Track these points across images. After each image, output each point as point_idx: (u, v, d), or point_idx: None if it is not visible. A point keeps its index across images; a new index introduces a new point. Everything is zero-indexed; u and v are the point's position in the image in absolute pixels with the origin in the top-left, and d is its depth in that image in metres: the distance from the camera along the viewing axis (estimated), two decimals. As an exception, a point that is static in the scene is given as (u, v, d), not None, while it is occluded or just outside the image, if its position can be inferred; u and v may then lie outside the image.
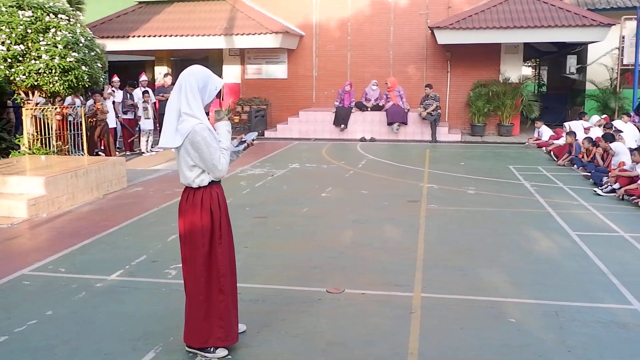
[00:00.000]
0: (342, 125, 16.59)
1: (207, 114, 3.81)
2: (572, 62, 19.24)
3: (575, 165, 11.49)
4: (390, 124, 16.39)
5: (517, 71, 17.28)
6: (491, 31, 15.59)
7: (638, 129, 12.82)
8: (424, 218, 7.62)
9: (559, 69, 20.86)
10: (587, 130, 12.96)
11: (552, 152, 12.82)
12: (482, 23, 15.62)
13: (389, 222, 7.48)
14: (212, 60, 22.77)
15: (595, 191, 9.12)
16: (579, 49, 18.65)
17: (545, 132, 14.88)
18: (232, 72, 18.84)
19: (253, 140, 4.02)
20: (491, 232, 6.99)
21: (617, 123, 12.71)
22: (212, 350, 3.86)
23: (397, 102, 16.36)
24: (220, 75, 21.38)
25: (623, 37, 16.35)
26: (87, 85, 10.50)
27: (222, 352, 3.88)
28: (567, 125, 13.45)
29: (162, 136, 3.73)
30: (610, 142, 10.27)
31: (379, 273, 5.54)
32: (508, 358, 3.83)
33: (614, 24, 15.38)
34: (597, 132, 12.59)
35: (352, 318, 4.50)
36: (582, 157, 11.39)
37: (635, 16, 15.56)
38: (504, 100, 16.70)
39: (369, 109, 16.72)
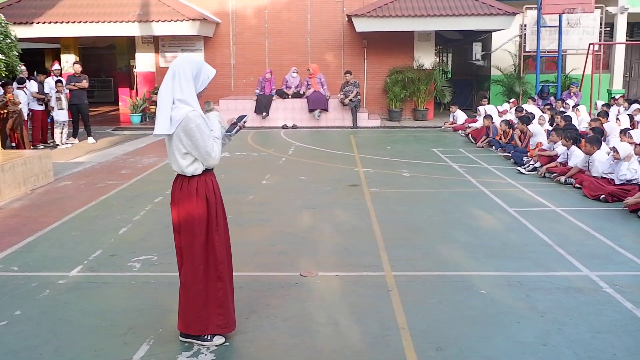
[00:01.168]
0: (264, 113, 16.57)
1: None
2: (477, 49, 20.28)
3: (493, 147, 12.20)
4: (311, 110, 16.56)
5: (430, 58, 17.99)
6: (407, 19, 16.12)
7: (542, 111, 13.79)
8: (370, 201, 7.85)
9: (464, 55, 21.91)
10: (501, 114, 13.77)
11: (470, 135, 13.51)
12: (397, 11, 16.10)
13: (337, 206, 7.65)
14: (120, 47, 21.95)
15: (518, 170, 9.77)
16: (484, 37, 19.67)
17: (460, 116, 15.63)
18: (146, 61, 18.23)
19: (244, 122, 4.02)
20: (436, 211, 7.34)
21: (526, 106, 13.62)
22: (208, 337, 3.85)
23: (318, 89, 16.55)
24: (130, 64, 20.65)
25: (525, 26, 17.46)
26: (3, 75, 9.82)
27: (219, 339, 3.88)
28: (483, 109, 14.21)
29: (156, 123, 3.65)
30: (527, 125, 11.00)
31: (344, 255, 5.70)
32: (490, 326, 4.11)
33: (518, 13, 16.37)
34: (510, 116, 13.45)
35: (333, 299, 4.62)
36: (500, 138, 12.12)
37: (536, 5, 16.65)
38: (418, 86, 17.33)
39: (289, 97, 16.80)
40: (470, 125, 14.55)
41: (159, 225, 6.82)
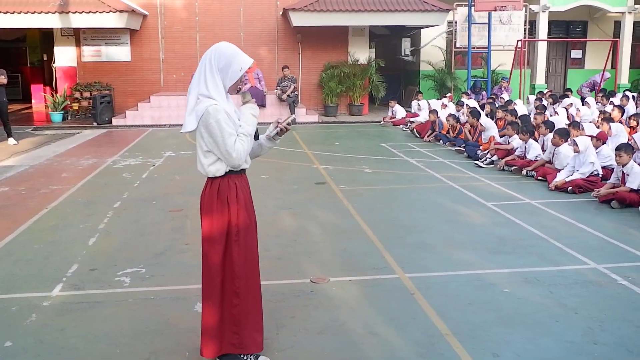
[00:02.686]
0: (199, 110, 15.91)
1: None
2: (406, 44, 20.57)
3: (441, 141, 12.33)
4: (248, 107, 16.07)
5: (364, 53, 18.01)
6: (343, 14, 16.01)
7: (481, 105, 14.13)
8: (345, 199, 7.63)
9: (392, 51, 22.14)
10: (442, 107, 13.98)
11: (415, 130, 13.60)
12: (334, 6, 15.96)
13: (313, 205, 7.37)
14: (32, 41, 20.43)
15: (476, 164, 9.89)
16: (413, 33, 19.96)
17: (399, 110, 15.75)
18: (66, 55, 17.02)
19: (289, 124, 3.65)
20: (417, 208, 7.24)
21: (467, 101, 13.90)
22: (251, 358, 3.48)
23: (255, 85, 16.10)
24: (44, 58, 19.24)
25: (455, 22, 17.85)
26: None
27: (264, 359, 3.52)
28: (422, 103, 14.35)
29: (184, 120, 3.29)
30: (477, 119, 11.19)
31: (346, 258, 5.45)
32: (532, 326, 4.01)
33: (451, 10, 16.70)
34: (451, 110, 13.69)
35: (360, 306, 4.37)
36: (447, 132, 12.28)
37: (466, 3, 17.07)
38: (354, 81, 17.30)
39: (225, 92, 16.23)
40: (412, 120, 14.67)
41: (130, 233, 6.27)
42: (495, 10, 15.80)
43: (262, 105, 16.16)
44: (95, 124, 15.71)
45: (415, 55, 20.27)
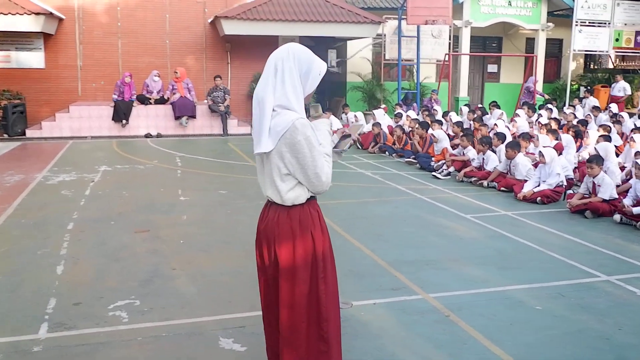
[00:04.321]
0: (124, 121, 14.93)
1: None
2: (332, 56, 20.46)
3: (386, 152, 12.26)
4: (177, 117, 15.32)
5: (295, 64, 17.68)
6: (276, 23, 15.66)
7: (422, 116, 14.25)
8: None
9: (317, 62, 21.98)
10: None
11: (358, 141, 13.46)
12: (267, 15, 15.58)
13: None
14: None
15: (433, 175, 9.86)
16: (339, 44, 19.94)
17: (335, 122, 15.56)
18: (-31, 59, 15.41)
19: (359, 135, 3.23)
20: (399, 222, 7.01)
21: (409, 113, 13.97)
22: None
23: (185, 95, 15.35)
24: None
25: (384, 35, 18.01)
26: None
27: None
28: (354, 115, 14.29)
29: (256, 138, 2.72)
30: (427, 130, 11.21)
31: (356, 279, 5.09)
32: (588, 346, 3.86)
33: (382, 22, 16.82)
34: (388, 121, 13.72)
35: (399, 332, 4.03)
36: (393, 144, 12.23)
37: (396, 16, 17.29)
38: (285, 92, 16.92)
39: (152, 102, 15.36)
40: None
41: (100, 259, 5.56)
42: (426, 24, 16.08)
43: (192, 116, 15.45)
44: (6, 135, 14.30)
45: (341, 67, 20.25)
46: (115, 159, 11.46)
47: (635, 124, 12.53)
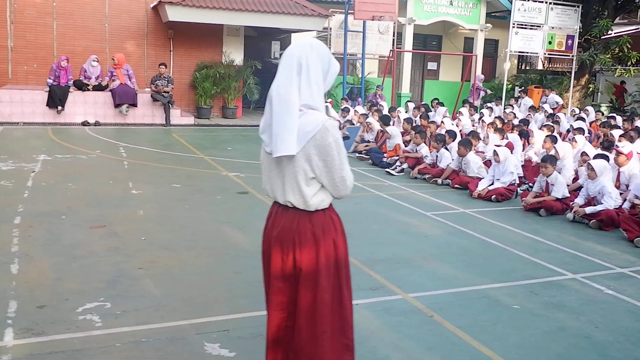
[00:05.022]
0: (60, 107, 14.16)
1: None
2: (276, 47, 20.28)
3: (336, 147, 12.22)
4: (117, 105, 14.67)
5: (239, 54, 17.39)
6: (223, 12, 15.28)
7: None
8: (283, 210, 7.12)
9: (261, 53, 21.66)
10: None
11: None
12: (213, 3, 15.15)
13: (251, 218, 6.78)
14: None
15: (387, 171, 9.91)
16: (283, 36, 19.75)
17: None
18: None
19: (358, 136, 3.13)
20: (363, 219, 6.99)
21: (357, 108, 13.99)
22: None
23: (124, 82, 14.73)
24: None
25: (330, 28, 17.95)
26: None
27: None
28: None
29: (278, 140, 2.52)
30: (387, 125, 11.24)
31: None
32: (577, 346, 3.94)
33: (330, 15, 16.75)
34: (335, 115, 13.66)
35: (388, 334, 3.98)
36: (344, 138, 12.20)
37: (342, 10, 17.26)
38: (229, 82, 16.62)
39: (90, 89, 14.65)
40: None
41: (57, 257, 5.21)
42: (372, 20, 16.14)
43: (133, 104, 14.85)
44: None
45: (284, 59, 20.03)
46: (53, 148, 10.84)
47: (570, 125, 13.06)
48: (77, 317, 4.02)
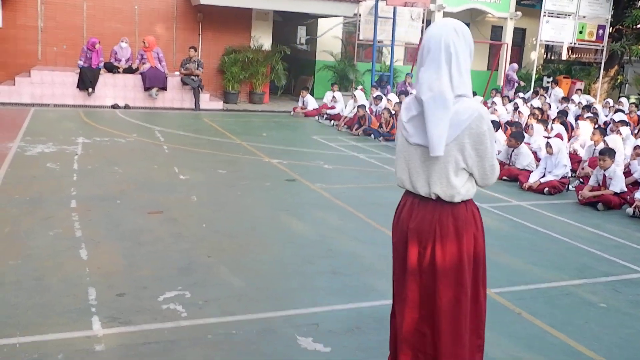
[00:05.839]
0: (90, 89, 14.04)
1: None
2: (302, 33, 20.01)
3: (372, 135, 12.06)
4: (147, 89, 14.54)
5: (268, 39, 17.19)
6: (254, -5, 15.08)
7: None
8: (337, 200, 6.99)
9: (286, 38, 21.43)
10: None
11: (332, 121, 13.33)
12: (245, -14, 14.96)
13: (308, 206, 6.67)
14: None
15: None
16: (309, 22, 19.49)
17: (311, 101, 15.26)
18: None
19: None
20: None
21: (390, 96, 13.80)
22: None
23: (155, 65, 14.59)
24: None
25: (359, 15, 17.70)
26: None
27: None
28: (332, 95, 14.02)
29: (435, 137, 2.40)
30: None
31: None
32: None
33: (363, 1, 16.50)
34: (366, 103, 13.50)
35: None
36: (380, 127, 12.04)
37: (372, -4, 17.01)
38: (257, 67, 16.44)
39: (120, 71, 14.52)
40: (328, 111, 14.28)
41: (123, 242, 5.13)
42: (405, 6, 15.90)
43: (163, 88, 14.72)
44: (-41, 99, 13.19)
45: (310, 45, 19.83)
46: (89, 131, 10.74)
47: (611, 117, 12.82)
48: (160, 306, 3.92)
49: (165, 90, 14.77)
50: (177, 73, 15.14)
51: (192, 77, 14.79)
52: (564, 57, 23.91)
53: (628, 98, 19.66)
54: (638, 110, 14.16)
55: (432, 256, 2.54)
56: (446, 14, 19.09)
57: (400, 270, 2.72)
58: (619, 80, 21.52)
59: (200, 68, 14.91)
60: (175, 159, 8.78)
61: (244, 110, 15.65)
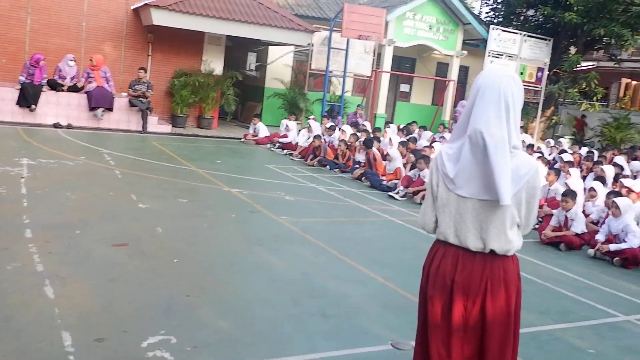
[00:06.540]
0: (32, 106, 13.31)
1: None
2: (252, 59, 19.85)
3: (328, 166, 11.97)
4: (93, 109, 13.95)
5: (219, 63, 16.94)
6: (209, 19, 14.81)
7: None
8: (305, 234, 6.82)
9: (235, 64, 21.21)
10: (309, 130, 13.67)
11: (285, 150, 13.30)
12: (201, 9, 14.69)
13: (282, 240, 6.46)
14: None
15: (390, 195, 9.73)
16: (260, 48, 19.39)
17: (262, 129, 15.07)
18: None
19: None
20: (391, 248, 6.77)
21: (344, 127, 13.80)
22: None
23: (102, 84, 14.03)
24: None
25: (312, 44, 17.74)
26: None
27: None
28: (286, 124, 14.04)
29: (501, 186, 2.32)
30: (370, 148, 11.07)
31: (398, 314, 4.75)
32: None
33: (317, 31, 16.56)
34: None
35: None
36: (335, 158, 11.98)
37: (325, 26, 17.13)
38: (208, 92, 16.13)
39: (64, 89, 13.86)
40: (280, 140, 14.14)
41: (93, 279, 4.75)
42: (359, 38, 16.06)
43: (109, 108, 14.16)
44: None
45: (259, 71, 19.70)
46: (33, 151, 10.12)
47: (559, 157, 13.28)
48: (145, 353, 3.60)
49: (112, 110, 14.20)
50: (125, 94, 14.61)
51: (141, 99, 14.32)
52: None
53: (562, 137, 20.59)
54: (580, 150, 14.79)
55: (481, 311, 2.43)
56: (396, 49, 19.51)
57: (436, 326, 2.57)
58: (554, 121, 22.50)
59: (150, 90, 14.46)
60: (131, 185, 8.36)
61: (193, 135, 15.25)
